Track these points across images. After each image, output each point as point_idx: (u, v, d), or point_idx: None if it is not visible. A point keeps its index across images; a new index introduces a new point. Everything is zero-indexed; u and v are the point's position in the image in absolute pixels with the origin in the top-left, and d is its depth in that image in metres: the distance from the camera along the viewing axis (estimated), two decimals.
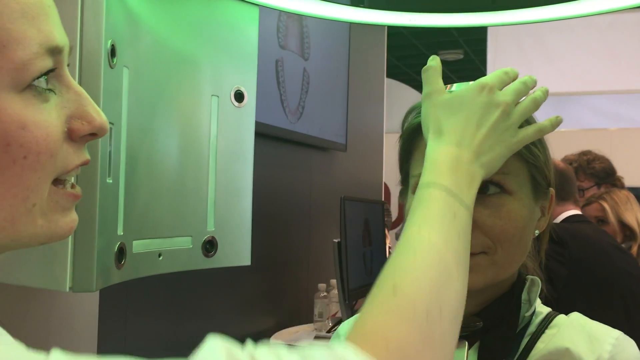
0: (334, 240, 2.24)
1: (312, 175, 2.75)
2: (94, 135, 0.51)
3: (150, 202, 0.89)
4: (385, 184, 3.82)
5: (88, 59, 0.73)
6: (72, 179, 0.51)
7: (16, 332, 0.52)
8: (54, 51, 0.47)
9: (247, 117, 1.06)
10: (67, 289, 0.72)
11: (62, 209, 0.50)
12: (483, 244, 0.70)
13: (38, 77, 0.46)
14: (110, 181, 0.78)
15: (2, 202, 0.45)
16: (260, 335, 2.28)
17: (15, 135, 0.44)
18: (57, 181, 0.49)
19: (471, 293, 0.74)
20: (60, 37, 0.48)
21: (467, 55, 7.50)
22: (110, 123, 0.77)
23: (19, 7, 0.45)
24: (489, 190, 0.71)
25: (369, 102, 3.45)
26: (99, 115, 0.50)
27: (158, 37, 0.92)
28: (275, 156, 2.43)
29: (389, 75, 3.93)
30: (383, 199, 3.62)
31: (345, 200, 2.20)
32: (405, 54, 7.34)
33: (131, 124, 0.83)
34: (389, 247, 3.15)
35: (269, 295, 2.40)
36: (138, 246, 0.86)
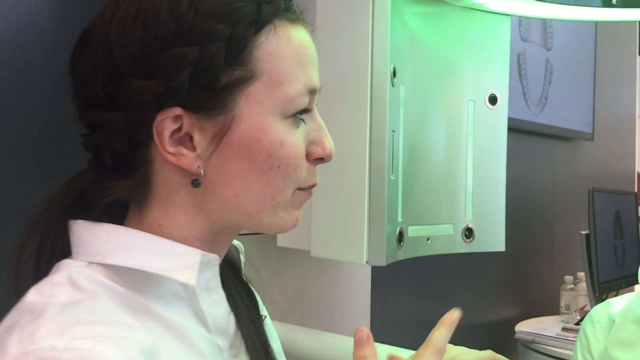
0: (582, 232, 2.22)
1: (555, 167, 2.72)
2: (321, 160, 0.61)
3: (421, 194, 1.07)
4: (638, 172, 3.55)
5: (377, 81, 0.93)
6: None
7: (313, 297, 0.70)
8: (312, 92, 0.59)
9: (500, 118, 1.17)
10: (365, 262, 0.93)
11: (297, 205, 0.61)
12: None
13: (298, 110, 0.58)
14: (393, 178, 0.97)
15: (256, 197, 0.57)
16: (505, 322, 2.35)
17: (275, 150, 0.56)
18: (299, 188, 0.60)
19: None
20: (317, 81, 0.60)
21: None
22: (392, 131, 0.96)
23: (296, 55, 0.57)
24: None
25: (618, 85, 3.25)
26: (330, 144, 0.61)
27: (428, 51, 1.09)
28: (518, 148, 2.47)
29: None
30: (636, 189, 3.39)
31: (594, 191, 2.17)
32: None
33: (407, 130, 1.01)
34: None
35: (513, 284, 2.45)
36: (412, 231, 1.04)
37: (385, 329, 1.79)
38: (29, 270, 0.58)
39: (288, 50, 0.57)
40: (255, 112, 0.56)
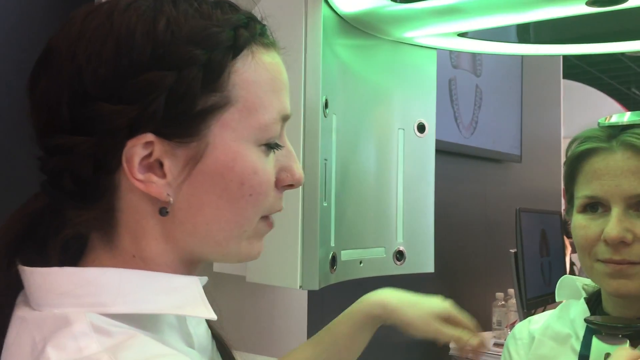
0: (511, 250, 2.32)
1: (486, 187, 2.84)
2: (291, 186, 0.60)
3: (354, 219, 1.11)
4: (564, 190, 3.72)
5: (309, 112, 0.97)
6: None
7: (250, 322, 0.73)
8: (285, 118, 0.58)
9: (428, 145, 1.24)
10: (298, 287, 0.96)
11: (260, 236, 0.60)
12: None
13: (272, 138, 0.57)
14: (326, 204, 1.01)
15: (226, 225, 0.55)
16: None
17: (248, 178, 0.55)
18: (263, 217, 0.59)
19: (635, 298, 0.84)
20: (289, 107, 0.59)
21: None
22: (324, 159, 1.00)
23: (271, 82, 0.56)
24: None
25: (544, 108, 3.42)
26: (299, 171, 0.60)
27: (359, 82, 1.14)
28: (450, 170, 2.56)
29: (569, 77, 3.80)
30: (563, 208, 3.55)
31: (520, 211, 2.27)
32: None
33: (339, 158, 1.05)
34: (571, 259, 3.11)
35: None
36: (345, 255, 1.08)
37: None
38: None
39: (263, 77, 0.56)
40: (229, 139, 0.54)
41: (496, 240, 2.81)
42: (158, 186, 0.53)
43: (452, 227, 2.53)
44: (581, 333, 0.90)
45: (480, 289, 2.74)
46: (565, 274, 2.75)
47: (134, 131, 0.51)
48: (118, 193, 0.54)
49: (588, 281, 0.95)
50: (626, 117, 0.85)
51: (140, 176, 0.52)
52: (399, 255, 1.19)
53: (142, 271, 0.54)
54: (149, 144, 0.52)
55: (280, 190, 0.60)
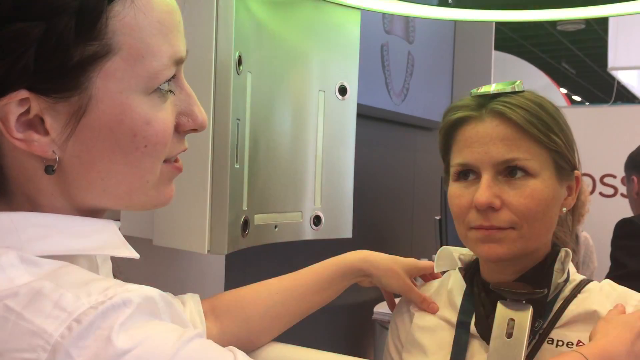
0: (435, 217, 2.36)
1: (416, 155, 2.86)
2: (194, 130, 0.59)
3: (268, 182, 1.07)
4: None
5: (220, 69, 0.92)
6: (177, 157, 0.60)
7: (161, 287, 0.70)
8: (178, 62, 0.55)
9: (349, 108, 1.21)
10: (206, 252, 0.92)
11: (168, 181, 0.59)
12: (511, 220, 0.81)
13: (164, 83, 0.54)
14: (237, 166, 0.97)
15: (123, 178, 0.54)
16: (364, 304, 2.45)
17: (141, 129, 0.53)
18: (166, 160, 0.58)
19: (506, 262, 0.85)
20: (183, 49, 0.56)
21: (589, 25, 7.13)
22: (237, 119, 0.96)
23: (158, 25, 0.53)
24: (516, 174, 0.81)
25: (475, 77, 3.47)
26: (202, 114, 0.58)
27: (276, 41, 1.09)
28: (381, 137, 2.57)
29: (504, 49, 3.86)
30: None
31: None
32: (522, 26, 7.10)
33: (253, 118, 1.01)
34: None
35: None
36: (259, 219, 1.05)
37: None
38: None
39: (149, 19, 0.52)
40: (115, 91, 0.51)
41: (423, 207, 2.86)
42: (41, 144, 0.51)
43: (380, 193, 2.54)
44: (458, 302, 0.91)
45: (405, 255, 2.78)
46: None
47: (4, 88, 0.49)
48: (1, 151, 0.52)
49: (466, 251, 0.96)
50: (494, 86, 0.86)
51: (19, 135, 0.50)
52: (316, 220, 1.17)
53: (56, 214, 0.53)
54: (24, 100, 0.49)
55: (182, 135, 0.58)
